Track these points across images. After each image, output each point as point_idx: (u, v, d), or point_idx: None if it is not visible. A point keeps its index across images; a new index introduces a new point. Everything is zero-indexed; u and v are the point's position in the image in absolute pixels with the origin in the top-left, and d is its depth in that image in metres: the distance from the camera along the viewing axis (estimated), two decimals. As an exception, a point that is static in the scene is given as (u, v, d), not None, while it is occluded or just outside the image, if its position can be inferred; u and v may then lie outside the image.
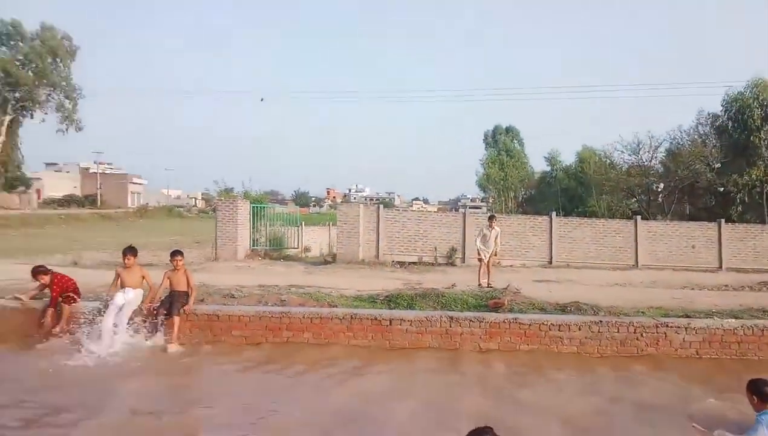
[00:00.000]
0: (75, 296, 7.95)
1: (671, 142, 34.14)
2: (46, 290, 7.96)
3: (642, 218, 20.06)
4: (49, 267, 8.29)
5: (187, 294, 7.89)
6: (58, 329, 7.58)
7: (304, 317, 7.86)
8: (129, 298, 7.67)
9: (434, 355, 7.52)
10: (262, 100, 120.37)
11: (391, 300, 8.78)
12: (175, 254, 8.17)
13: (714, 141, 32.03)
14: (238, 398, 5.79)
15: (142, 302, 7.80)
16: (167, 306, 7.68)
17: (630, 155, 35.14)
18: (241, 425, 5.13)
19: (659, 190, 33.39)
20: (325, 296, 8.96)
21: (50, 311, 7.71)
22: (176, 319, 7.59)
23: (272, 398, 5.89)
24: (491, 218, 12.56)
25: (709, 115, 32.58)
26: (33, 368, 6.50)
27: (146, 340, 7.52)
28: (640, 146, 34.37)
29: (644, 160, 34.63)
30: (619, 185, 34.04)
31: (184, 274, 8.03)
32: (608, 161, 36.70)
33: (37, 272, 7.97)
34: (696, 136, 33.40)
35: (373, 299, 8.93)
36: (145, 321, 7.70)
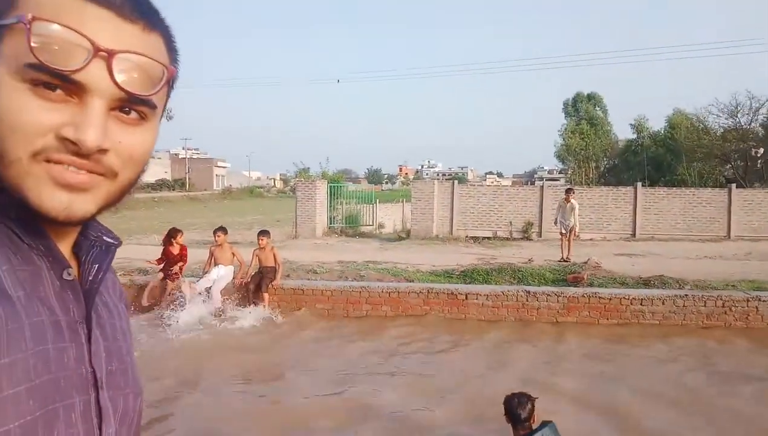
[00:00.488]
0: (178, 273, 8.71)
1: (774, 102, 31.17)
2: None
3: (737, 186, 18.68)
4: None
5: (274, 270, 8.45)
6: (162, 305, 8.36)
7: (382, 292, 8.21)
8: (221, 274, 8.37)
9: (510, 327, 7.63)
10: (338, 81, 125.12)
11: (467, 275, 8.93)
12: (261, 233, 8.72)
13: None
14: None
15: (234, 277, 8.46)
16: (257, 281, 8.29)
17: (726, 118, 32.47)
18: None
19: (758, 155, 30.70)
20: (401, 272, 9.27)
21: (157, 281, 8.48)
22: (265, 295, 8.18)
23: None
24: (568, 191, 12.16)
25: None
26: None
27: (239, 312, 8.20)
28: (739, 108, 31.62)
29: (742, 124, 31.90)
30: (713, 151, 31.63)
31: (271, 251, 8.58)
32: (701, 126, 34.13)
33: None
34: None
35: (448, 274, 9.13)
36: (237, 295, 8.38)
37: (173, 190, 58.15)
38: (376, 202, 21.51)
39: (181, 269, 8.65)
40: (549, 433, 3.08)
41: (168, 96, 0.64)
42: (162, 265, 8.58)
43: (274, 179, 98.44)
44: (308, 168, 27.87)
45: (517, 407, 3.26)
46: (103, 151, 0.55)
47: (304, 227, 17.44)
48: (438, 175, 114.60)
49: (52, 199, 0.55)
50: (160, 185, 60.19)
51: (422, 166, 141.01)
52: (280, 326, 7.71)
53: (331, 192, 18.61)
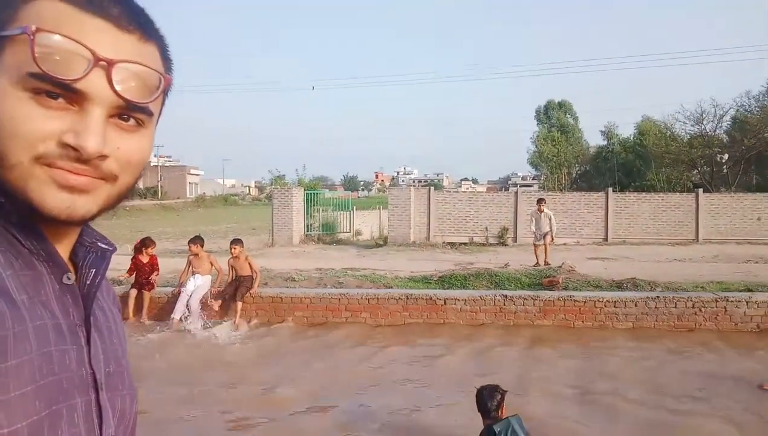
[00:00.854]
0: (153, 283, 8.55)
1: (738, 110, 32.30)
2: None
3: (704, 191, 19.28)
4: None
5: (251, 278, 8.37)
6: (143, 318, 8.12)
7: (362, 298, 8.22)
8: (198, 284, 8.25)
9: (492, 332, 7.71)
10: (313, 88, 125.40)
11: (445, 280, 9.01)
12: (234, 243, 8.54)
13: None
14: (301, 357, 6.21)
15: (212, 286, 8.36)
16: (233, 291, 8.20)
17: (692, 126, 33.48)
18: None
19: (723, 161, 31.75)
20: (380, 278, 9.29)
21: (134, 293, 8.29)
22: (239, 304, 8.09)
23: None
24: (540, 202, 12.05)
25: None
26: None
27: (214, 322, 8.11)
28: (704, 116, 32.65)
29: (708, 130, 32.94)
30: (681, 157, 32.56)
31: (245, 260, 8.49)
32: (669, 133, 35.12)
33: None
34: (766, 102, 31.44)
35: (427, 280, 9.19)
36: (214, 305, 8.27)
37: (145, 198, 57.05)
38: (353, 210, 21.52)
39: (154, 278, 8.52)
40: (515, 422, 3.33)
41: (163, 103, 0.66)
42: (133, 275, 8.43)
43: (249, 187, 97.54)
44: (284, 175, 27.68)
45: (486, 398, 3.49)
46: (102, 157, 0.57)
47: (280, 235, 17.34)
48: (414, 181, 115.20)
49: (54, 199, 0.57)
50: (132, 194, 58.92)
51: (398, 173, 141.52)
52: (259, 335, 7.63)
53: (307, 199, 18.55)
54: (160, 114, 0.66)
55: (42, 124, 0.55)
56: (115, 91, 0.57)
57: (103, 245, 0.69)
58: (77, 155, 0.56)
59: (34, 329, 0.56)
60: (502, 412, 3.48)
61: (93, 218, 0.61)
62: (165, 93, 0.64)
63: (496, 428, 3.32)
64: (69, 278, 0.63)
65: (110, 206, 0.62)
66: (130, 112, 0.59)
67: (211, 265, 8.43)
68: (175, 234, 22.06)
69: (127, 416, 0.68)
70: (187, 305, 8.05)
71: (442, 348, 7.06)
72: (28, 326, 0.55)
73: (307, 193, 18.61)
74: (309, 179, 23.00)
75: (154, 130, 0.65)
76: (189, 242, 8.59)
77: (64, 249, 0.64)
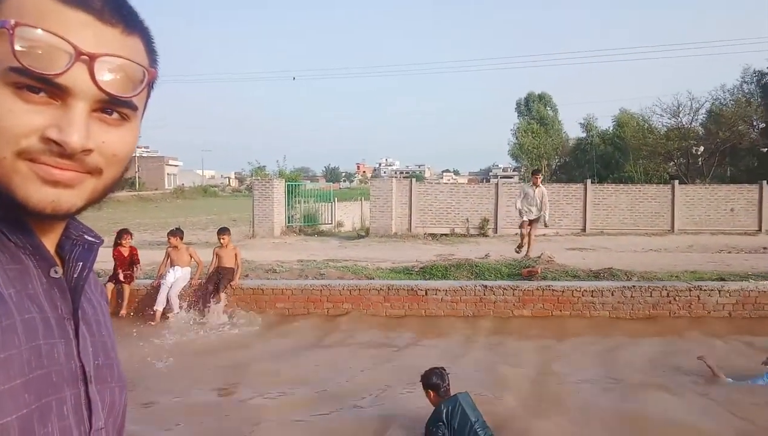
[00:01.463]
0: (133, 275, 8.39)
1: (713, 103, 32.96)
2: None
3: (680, 183, 19.68)
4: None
5: (233, 270, 8.32)
6: (123, 311, 7.94)
7: (343, 289, 8.23)
8: (178, 275, 8.17)
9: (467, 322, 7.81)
10: (294, 78, 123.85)
11: (426, 271, 9.07)
12: (222, 231, 8.49)
13: (759, 100, 30.78)
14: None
15: (191, 278, 8.29)
16: (215, 282, 8.15)
17: (669, 118, 34.12)
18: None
19: (699, 153, 32.38)
20: (362, 269, 9.31)
21: (110, 286, 8.14)
22: (222, 295, 8.04)
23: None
24: (535, 173, 10.80)
25: (755, 72, 31.23)
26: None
27: (197, 314, 8.05)
28: (680, 108, 33.29)
29: (684, 123, 33.57)
30: (657, 150, 33.16)
31: (233, 250, 8.41)
32: (646, 125, 35.70)
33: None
34: (740, 96, 32.12)
35: (408, 271, 9.24)
36: (195, 297, 8.21)
37: (122, 189, 56.09)
38: (334, 201, 21.46)
39: (134, 270, 8.40)
40: (462, 398, 3.72)
41: (148, 96, 0.66)
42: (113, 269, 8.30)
43: (229, 178, 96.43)
44: (264, 166, 27.46)
45: (438, 378, 3.89)
46: (87, 151, 0.57)
47: (261, 226, 17.23)
48: (396, 173, 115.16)
49: (39, 194, 0.57)
50: (118, 187, 57.78)
51: (380, 164, 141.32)
52: (242, 327, 7.60)
53: (288, 191, 18.44)
54: (145, 107, 0.66)
55: (24, 119, 0.55)
56: (98, 86, 0.56)
57: (90, 238, 0.69)
58: (61, 150, 0.56)
59: (23, 322, 0.56)
60: (449, 391, 3.86)
61: (79, 211, 0.62)
62: (150, 86, 0.64)
63: (446, 404, 3.67)
64: (56, 272, 0.63)
65: (96, 200, 0.63)
66: (113, 106, 0.59)
67: (191, 257, 8.36)
68: (153, 225, 21.77)
69: (116, 408, 0.68)
70: (168, 297, 7.99)
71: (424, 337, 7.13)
72: (16, 319, 0.55)
73: (288, 185, 18.50)
74: (290, 170, 22.82)
75: (140, 123, 0.64)
76: (168, 234, 8.50)
77: (50, 242, 0.64)
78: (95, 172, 0.59)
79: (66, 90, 0.55)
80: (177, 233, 8.39)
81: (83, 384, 0.62)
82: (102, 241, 0.71)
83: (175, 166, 77.85)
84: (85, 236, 0.68)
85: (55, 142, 0.55)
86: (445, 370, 3.97)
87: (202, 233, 18.09)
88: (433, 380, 3.88)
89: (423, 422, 3.87)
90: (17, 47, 0.53)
